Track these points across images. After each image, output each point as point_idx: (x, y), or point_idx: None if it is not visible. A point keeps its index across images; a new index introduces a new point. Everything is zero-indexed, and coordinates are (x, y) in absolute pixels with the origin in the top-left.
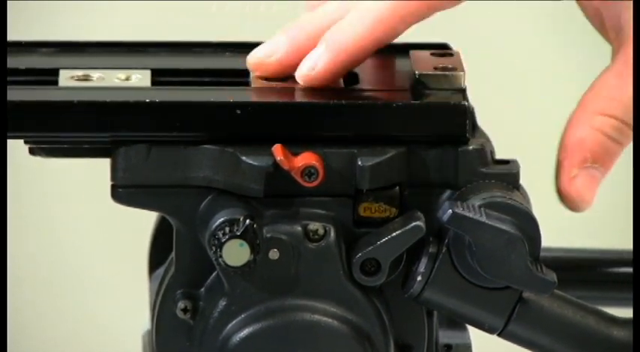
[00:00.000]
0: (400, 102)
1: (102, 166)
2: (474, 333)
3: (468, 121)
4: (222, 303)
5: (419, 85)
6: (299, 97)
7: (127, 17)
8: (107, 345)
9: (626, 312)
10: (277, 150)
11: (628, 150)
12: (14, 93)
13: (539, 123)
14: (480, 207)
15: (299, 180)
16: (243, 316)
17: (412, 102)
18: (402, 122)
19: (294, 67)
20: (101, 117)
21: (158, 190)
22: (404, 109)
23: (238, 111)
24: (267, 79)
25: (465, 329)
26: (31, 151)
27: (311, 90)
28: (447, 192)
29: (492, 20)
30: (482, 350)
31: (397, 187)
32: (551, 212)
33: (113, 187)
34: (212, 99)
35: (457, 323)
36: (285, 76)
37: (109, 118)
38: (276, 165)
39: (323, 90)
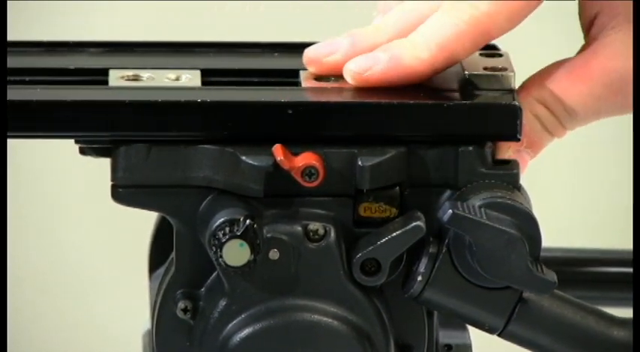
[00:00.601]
0: (453, 102)
1: (102, 166)
2: (474, 333)
3: (519, 121)
4: (222, 303)
5: (468, 85)
6: (350, 97)
7: (127, 17)
8: (107, 345)
9: (626, 312)
10: (277, 150)
11: (628, 150)
12: (65, 93)
13: None
14: (480, 207)
15: (299, 180)
16: (243, 316)
17: (467, 101)
18: (454, 122)
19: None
20: (153, 117)
21: (158, 190)
22: (456, 109)
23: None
24: (317, 78)
25: (465, 329)
26: (82, 151)
27: (364, 90)
28: (447, 192)
29: None
30: (482, 350)
31: (397, 187)
32: (551, 212)
33: (113, 187)
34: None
35: (457, 323)
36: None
37: (160, 118)
38: (276, 165)
39: (374, 89)
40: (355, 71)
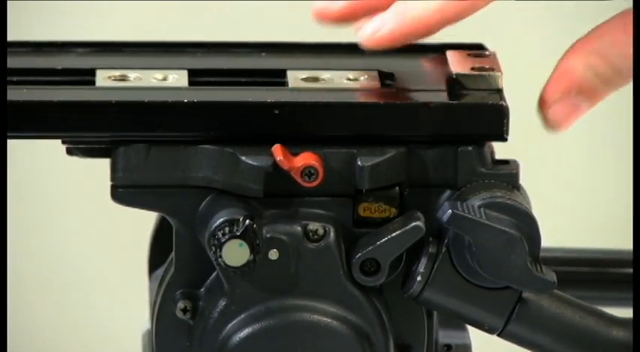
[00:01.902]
0: (441, 102)
1: (102, 166)
2: (474, 333)
3: (506, 121)
4: (221, 303)
5: (456, 85)
6: (339, 98)
7: (127, 17)
8: (107, 345)
9: (626, 312)
10: (277, 150)
11: (628, 151)
12: (52, 94)
13: (539, 123)
14: (479, 207)
15: (299, 180)
16: (242, 316)
17: (452, 102)
18: (443, 122)
19: (354, 16)
20: (140, 117)
21: (158, 190)
22: (443, 109)
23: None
24: (305, 79)
25: (465, 329)
26: (69, 151)
27: (349, 90)
28: (447, 192)
29: (492, 19)
30: (483, 350)
31: (397, 187)
32: (551, 212)
33: (113, 187)
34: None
35: (457, 323)
36: (342, 23)
37: (148, 118)
38: (275, 165)
39: (359, 90)
40: (365, 36)
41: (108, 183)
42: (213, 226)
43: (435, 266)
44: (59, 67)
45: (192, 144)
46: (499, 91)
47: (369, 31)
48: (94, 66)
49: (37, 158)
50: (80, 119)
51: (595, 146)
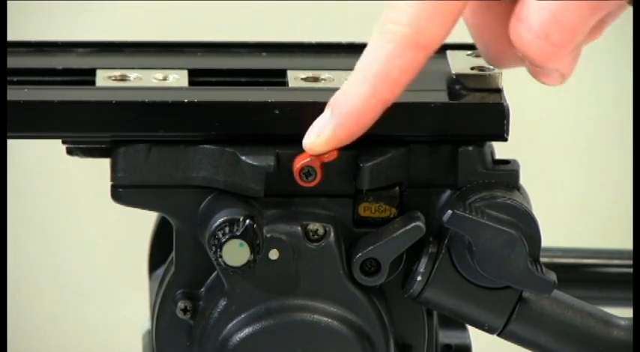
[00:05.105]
0: (441, 102)
1: (102, 166)
2: (474, 333)
3: (506, 121)
4: (222, 303)
5: (456, 84)
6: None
7: (127, 17)
8: (107, 346)
9: (626, 312)
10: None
11: (627, 150)
12: (52, 94)
13: (539, 123)
14: (479, 207)
15: (297, 179)
16: (243, 316)
17: (452, 102)
18: (444, 121)
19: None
20: (140, 117)
21: (158, 190)
22: (445, 109)
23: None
24: (305, 78)
25: (465, 329)
26: (69, 151)
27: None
28: (447, 192)
29: None
30: (483, 350)
31: (397, 187)
32: (551, 212)
33: (113, 187)
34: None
35: (457, 323)
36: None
37: (148, 118)
38: (275, 165)
39: None
40: (307, 142)
41: (108, 183)
42: (214, 226)
43: (435, 266)
44: (59, 67)
45: (192, 144)
46: (499, 91)
47: (309, 139)
48: (94, 66)
49: (37, 158)
50: (80, 119)
51: (595, 146)
